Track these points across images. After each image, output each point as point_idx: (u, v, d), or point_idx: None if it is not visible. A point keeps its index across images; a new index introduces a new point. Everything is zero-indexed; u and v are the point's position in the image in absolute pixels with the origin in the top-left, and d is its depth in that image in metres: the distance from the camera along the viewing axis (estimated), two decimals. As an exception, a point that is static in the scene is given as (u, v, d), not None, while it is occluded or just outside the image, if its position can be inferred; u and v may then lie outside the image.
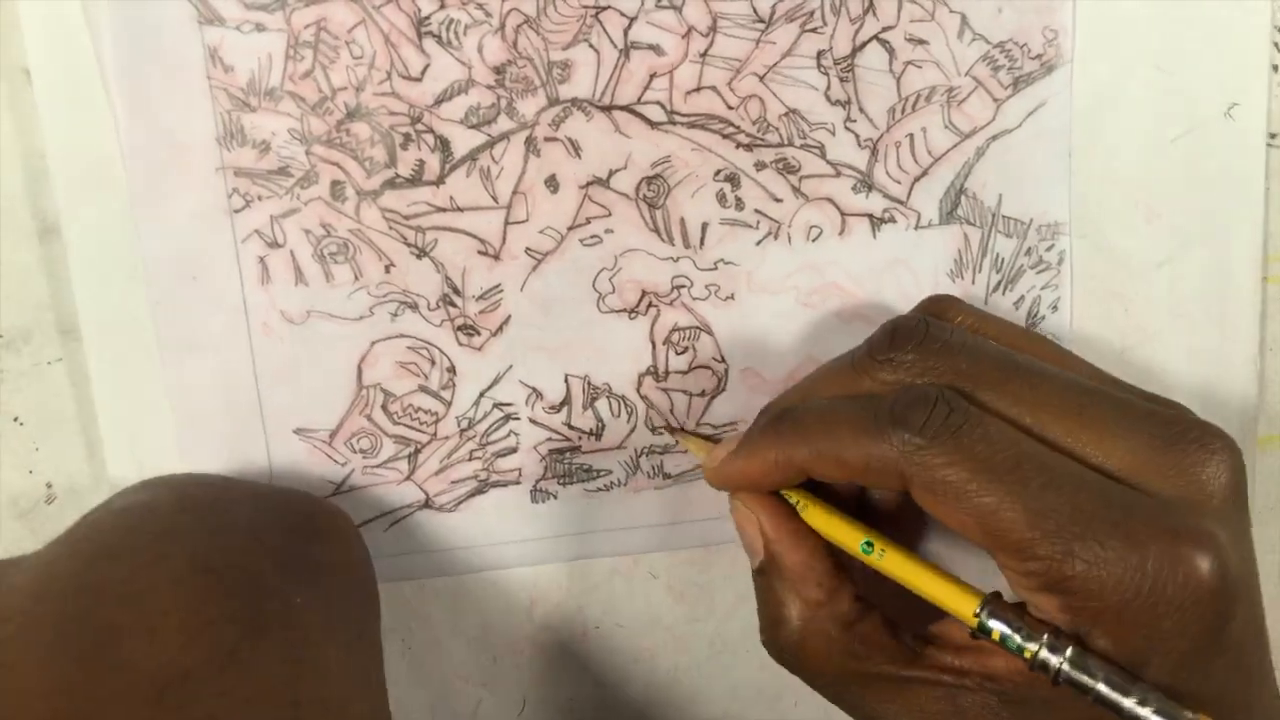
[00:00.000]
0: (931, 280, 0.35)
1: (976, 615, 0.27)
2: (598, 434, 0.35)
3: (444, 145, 0.32)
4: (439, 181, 0.32)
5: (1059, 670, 0.25)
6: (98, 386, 0.32)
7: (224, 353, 0.32)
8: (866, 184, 0.34)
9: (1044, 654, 0.25)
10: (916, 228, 0.34)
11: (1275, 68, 0.35)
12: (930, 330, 0.28)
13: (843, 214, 0.34)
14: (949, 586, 0.27)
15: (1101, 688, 0.25)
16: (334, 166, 0.32)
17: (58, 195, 0.31)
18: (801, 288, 0.34)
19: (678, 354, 0.34)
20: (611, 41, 0.32)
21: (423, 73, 0.32)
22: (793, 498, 0.30)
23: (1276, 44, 0.35)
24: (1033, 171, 0.34)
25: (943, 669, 0.28)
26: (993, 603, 0.27)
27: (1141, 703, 0.24)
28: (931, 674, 0.28)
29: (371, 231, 0.32)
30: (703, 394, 0.35)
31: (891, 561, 0.28)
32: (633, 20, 0.32)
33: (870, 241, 0.34)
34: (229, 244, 0.32)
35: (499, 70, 0.32)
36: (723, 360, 0.35)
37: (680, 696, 0.37)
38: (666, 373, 0.34)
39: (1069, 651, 0.25)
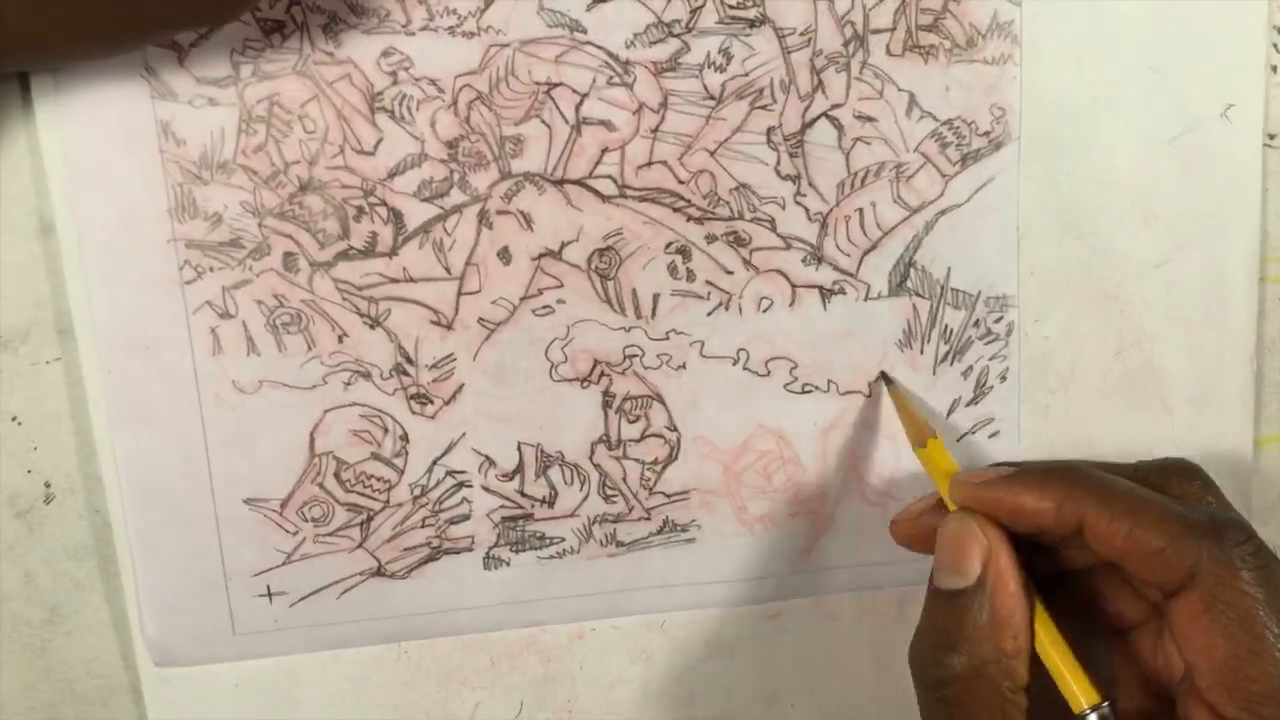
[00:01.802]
0: (881, 351, 0.35)
1: (1088, 710, 0.28)
2: (550, 502, 0.35)
3: (397, 217, 0.32)
4: (392, 253, 0.33)
5: None
6: (91, 387, 0.32)
7: (175, 423, 0.33)
8: (816, 256, 0.34)
9: None
10: (866, 299, 0.35)
11: (1273, 69, 0.35)
12: (1214, 485, 0.30)
13: (793, 285, 0.34)
14: (1080, 672, 0.28)
15: None
16: (287, 238, 0.32)
17: (54, 196, 0.31)
18: (752, 357, 0.35)
19: (630, 423, 0.35)
20: (563, 117, 0.32)
21: (375, 147, 0.32)
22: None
23: (1274, 45, 0.35)
24: (981, 245, 0.35)
25: None
26: (1106, 709, 0.28)
27: None
28: None
29: (324, 302, 0.33)
30: (655, 462, 0.35)
31: (1045, 628, 0.29)
32: (584, 97, 0.32)
33: (820, 313, 0.35)
34: (180, 315, 0.32)
35: (452, 145, 0.32)
36: (675, 429, 0.35)
37: (677, 698, 0.37)
38: (619, 441, 0.35)
39: None
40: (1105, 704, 0.28)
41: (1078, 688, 0.28)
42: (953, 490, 0.31)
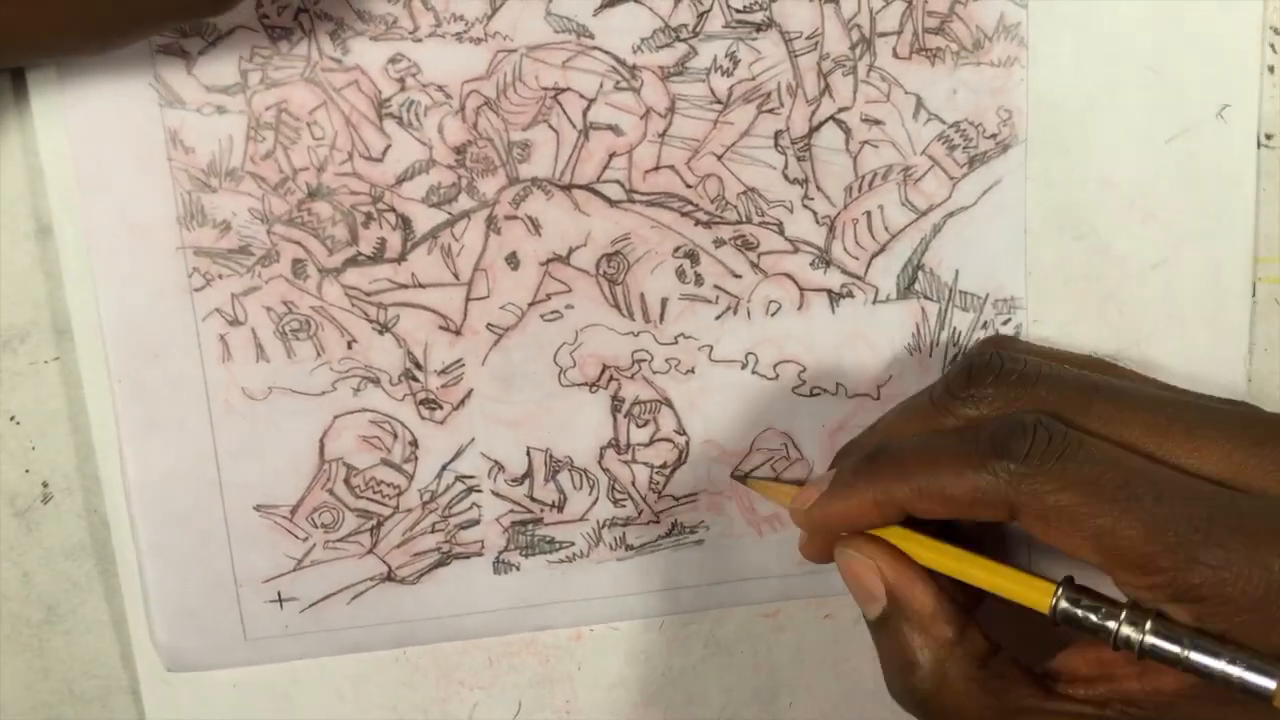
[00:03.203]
0: (889, 354, 0.35)
1: (1053, 601, 0.27)
2: (560, 506, 0.35)
3: (405, 223, 0.32)
4: (400, 259, 0.33)
5: (1142, 643, 0.25)
6: (89, 387, 0.32)
7: (185, 430, 0.33)
8: (824, 260, 0.34)
9: (1125, 630, 0.26)
10: (874, 302, 0.35)
11: (1269, 69, 0.35)
12: (1005, 363, 0.29)
13: (801, 289, 0.34)
14: (1024, 578, 0.28)
15: (1192, 654, 0.25)
16: (295, 245, 0.32)
17: (51, 197, 0.31)
18: (761, 361, 0.35)
19: (639, 427, 0.35)
20: (571, 122, 0.32)
21: (384, 153, 0.32)
22: (891, 538, 0.30)
23: (1270, 45, 0.35)
24: (989, 247, 0.35)
25: (1083, 700, 0.28)
26: (1068, 586, 0.27)
27: (1232, 662, 0.25)
28: (1074, 706, 0.28)
29: (333, 308, 0.33)
30: (664, 466, 0.35)
31: (969, 565, 0.28)
32: (592, 102, 0.32)
33: (828, 316, 0.35)
34: (189, 322, 0.32)
35: (459, 150, 0.32)
36: (683, 433, 0.35)
37: (676, 697, 0.37)
38: (628, 445, 0.35)
39: (1149, 624, 0.25)
40: (1059, 587, 0.27)
41: (1026, 594, 0.27)
42: (796, 522, 0.31)
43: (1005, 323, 0.35)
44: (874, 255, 0.34)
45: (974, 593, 0.29)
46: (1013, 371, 0.29)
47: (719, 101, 0.33)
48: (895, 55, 0.33)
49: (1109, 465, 0.26)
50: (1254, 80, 0.35)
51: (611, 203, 0.33)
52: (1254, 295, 0.37)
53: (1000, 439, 0.27)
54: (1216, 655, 0.25)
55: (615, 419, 0.34)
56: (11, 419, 0.33)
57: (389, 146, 0.32)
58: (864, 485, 0.29)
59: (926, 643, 0.29)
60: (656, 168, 0.33)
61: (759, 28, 0.32)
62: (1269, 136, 0.36)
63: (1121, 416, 0.28)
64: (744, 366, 0.35)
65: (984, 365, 0.29)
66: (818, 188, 0.34)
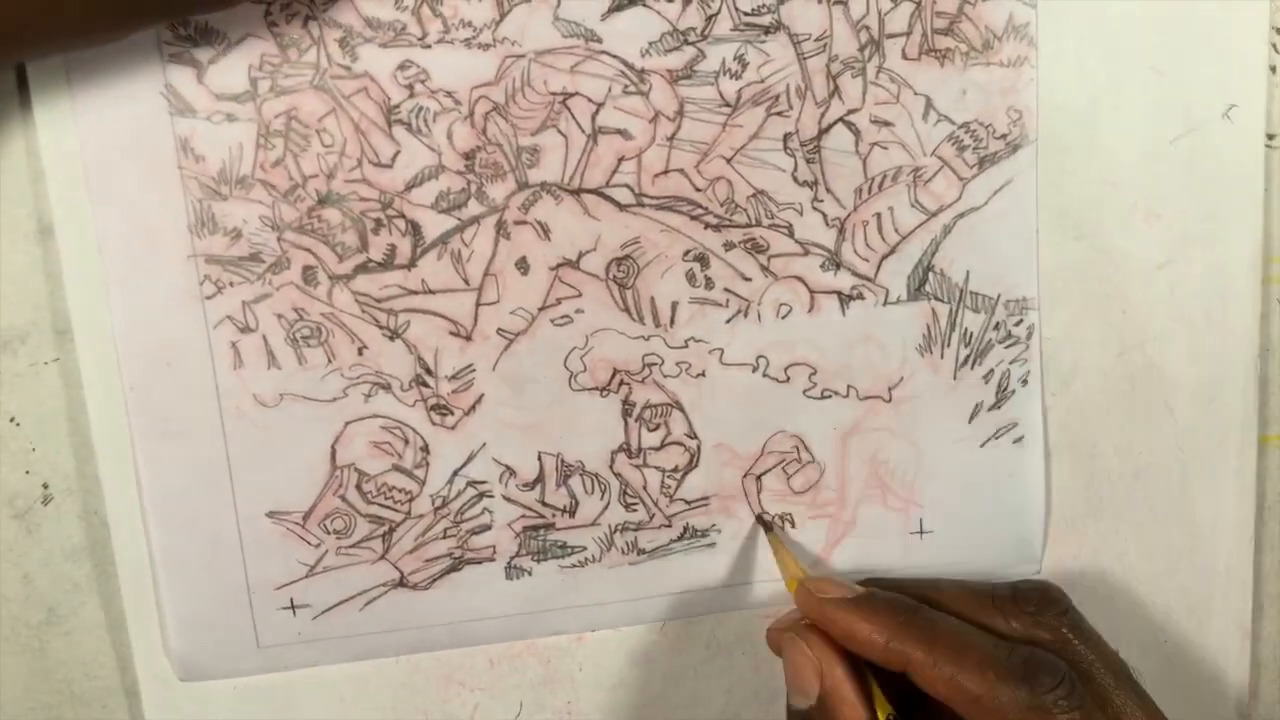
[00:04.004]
0: (900, 355, 0.35)
1: None
2: (571, 511, 0.35)
3: (415, 229, 0.32)
4: (410, 265, 0.33)
5: None
6: (90, 389, 0.32)
7: (197, 437, 0.33)
8: (835, 262, 0.34)
9: None
10: (885, 304, 0.35)
11: (1273, 69, 0.35)
12: (1072, 609, 0.32)
13: (811, 291, 0.34)
14: None
15: None
16: (306, 252, 0.32)
17: (52, 198, 0.31)
18: (771, 364, 0.35)
19: (650, 431, 0.35)
20: (580, 127, 0.32)
21: (393, 159, 0.32)
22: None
23: (1274, 45, 0.35)
24: (1000, 248, 0.35)
25: None
26: None
27: None
28: None
29: (344, 315, 0.33)
30: (675, 470, 0.35)
31: None
32: (600, 106, 0.32)
33: (839, 318, 0.35)
34: (201, 330, 0.32)
35: (468, 156, 0.32)
36: (695, 436, 0.35)
37: (677, 699, 0.37)
38: (639, 449, 0.35)
39: None
40: None
41: None
42: (797, 597, 0.33)
43: (1017, 323, 0.35)
44: (884, 257, 0.34)
45: None
46: (1078, 623, 0.31)
47: (728, 104, 0.33)
48: (904, 56, 0.33)
49: None
50: (1260, 80, 0.35)
51: (621, 207, 0.33)
52: (1264, 295, 0.36)
53: (1033, 666, 0.29)
54: None
55: (626, 423, 0.34)
56: (11, 420, 0.33)
57: (398, 153, 0.32)
58: (889, 624, 0.30)
59: None
60: (666, 171, 0.33)
61: (767, 30, 0.32)
62: (1272, 137, 0.35)
63: (1135, 717, 0.30)
64: (755, 369, 0.35)
65: (1057, 598, 0.32)
66: (827, 190, 0.34)
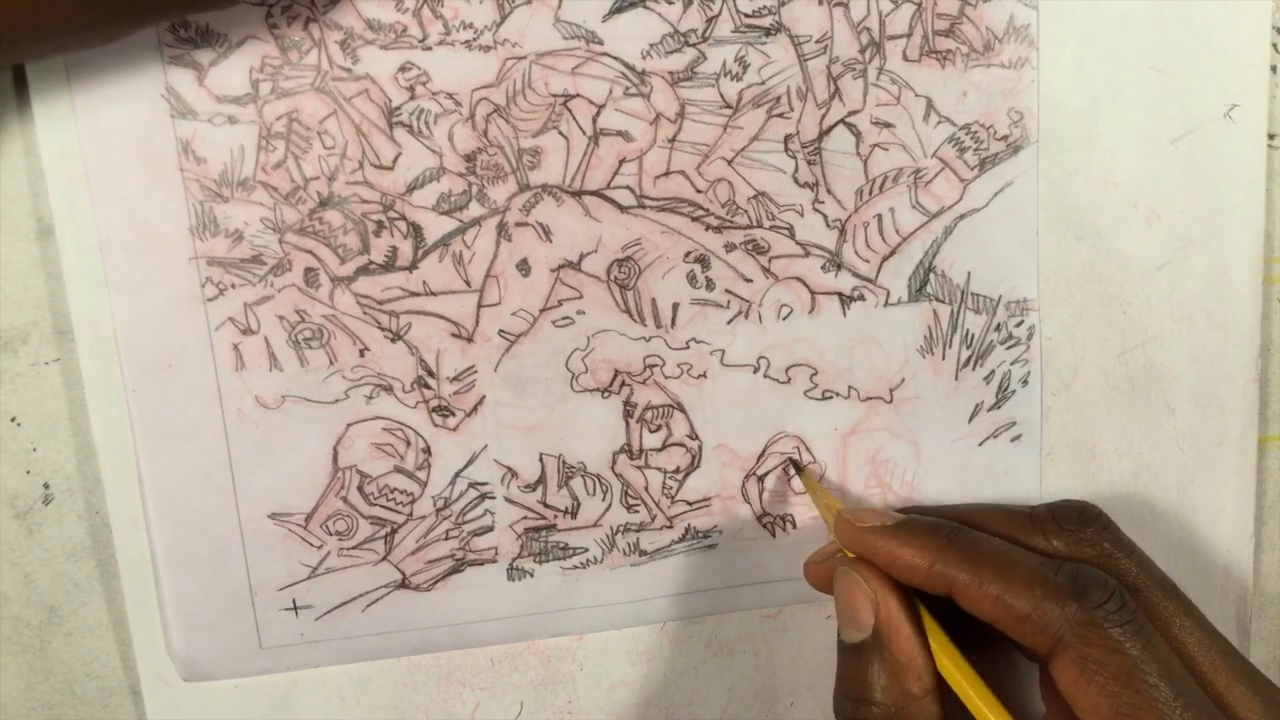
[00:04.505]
0: (901, 357, 0.35)
1: None
2: (573, 512, 0.35)
3: (416, 231, 0.32)
4: (412, 267, 0.33)
5: None
6: (90, 388, 0.32)
7: (199, 439, 0.33)
8: (835, 263, 0.34)
9: None
10: (886, 305, 0.35)
11: (1274, 69, 0.35)
12: (1112, 525, 0.31)
13: (812, 293, 0.34)
14: (993, 702, 0.29)
15: None
16: (307, 254, 0.32)
17: (52, 198, 0.31)
18: (773, 365, 0.35)
19: (651, 432, 0.35)
20: (581, 128, 0.32)
21: (394, 161, 0.32)
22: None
23: (1275, 45, 0.35)
24: (1001, 249, 0.35)
25: None
26: None
27: None
28: None
29: (345, 317, 0.33)
30: (677, 471, 0.35)
31: (955, 664, 0.29)
32: (601, 108, 0.32)
33: (840, 319, 0.35)
34: (203, 332, 0.32)
35: (470, 158, 0.32)
36: (696, 437, 0.35)
37: (677, 698, 0.37)
38: (640, 450, 0.35)
39: None
40: None
41: (992, 717, 0.28)
42: (836, 529, 0.32)
43: (1018, 324, 0.35)
44: (885, 258, 0.34)
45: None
46: (1117, 536, 0.31)
47: (729, 106, 0.33)
48: (905, 58, 0.33)
49: (1157, 656, 0.27)
50: (1262, 80, 0.35)
51: (622, 208, 0.33)
52: (1265, 295, 0.36)
53: (1082, 581, 0.28)
54: None
55: (628, 424, 0.34)
56: (12, 420, 0.33)
57: (399, 155, 0.32)
58: (931, 548, 0.30)
59: (890, 687, 0.30)
60: (667, 173, 0.33)
61: (768, 32, 0.32)
62: (1273, 137, 0.35)
63: (1183, 629, 0.29)
64: (756, 370, 0.35)
65: (1096, 514, 0.31)
66: (828, 191, 0.34)
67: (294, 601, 0.34)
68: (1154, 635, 0.28)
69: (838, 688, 0.31)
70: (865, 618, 0.30)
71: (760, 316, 0.34)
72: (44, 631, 0.34)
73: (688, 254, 0.34)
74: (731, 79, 0.33)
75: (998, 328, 0.35)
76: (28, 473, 0.33)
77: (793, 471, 0.35)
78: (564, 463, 0.34)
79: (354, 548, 0.34)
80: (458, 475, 0.34)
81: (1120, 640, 0.27)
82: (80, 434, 0.33)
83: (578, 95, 0.32)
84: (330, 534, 0.34)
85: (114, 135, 0.31)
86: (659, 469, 0.35)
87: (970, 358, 0.35)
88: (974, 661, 0.30)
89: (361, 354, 0.33)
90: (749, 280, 0.34)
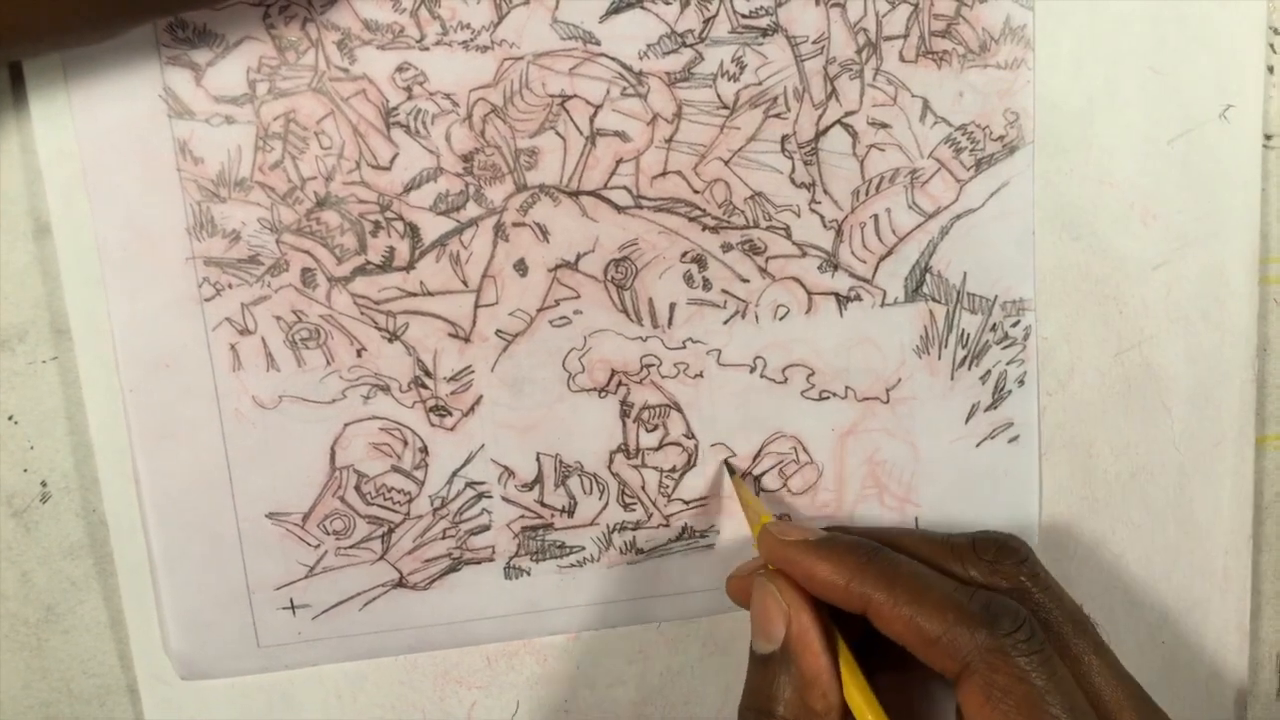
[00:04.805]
0: (898, 357, 0.35)
1: None
2: (570, 511, 0.35)
3: (413, 232, 0.33)
4: (409, 267, 0.33)
5: None
6: (88, 387, 0.32)
7: (197, 439, 0.33)
8: (832, 263, 0.34)
9: None
10: (882, 305, 0.35)
11: (1270, 69, 0.35)
12: (1030, 559, 0.32)
13: (809, 293, 0.34)
14: None
15: None
16: (304, 254, 0.32)
17: (49, 195, 0.31)
18: (769, 365, 0.35)
19: (648, 431, 0.35)
20: (578, 129, 0.32)
21: (391, 162, 0.32)
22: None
23: (1272, 45, 0.35)
24: (997, 249, 0.35)
25: None
26: None
27: None
28: None
29: (343, 317, 0.33)
30: (674, 470, 0.35)
31: (856, 686, 0.30)
32: (598, 108, 0.32)
33: (837, 320, 0.35)
34: (200, 332, 0.32)
35: (467, 158, 0.32)
36: (692, 437, 0.35)
37: (673, 697, 0.37)
38: (637, 450, 0.35)
39: None
40: None
41: None
42: (760, 540, 0.32)
43: (1014, 325, 0.35)
44: (882, 258, 0.34)
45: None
46: (1035, 570, 0.31)
47: (725, 106, 0.33)
48: (902, 59, 0.33)
49: (1061, 689, 0.28)
50: (1257, 81, 0.35)
51: (619, 209, 0.33)
52: (1261, 295, 0.36)
53: (994, 609, 0.29)
54: None
55: (624, 424, 0.35)
56: (10, 419, 0.33)
57: (397, 155, 0.32)
58: (850, 566, 0.30)
59: (794, 701, 0.30)
60: (664, 173, 0.33)
61: (765, 32, 0.33)
62: (1269, 137, 0.36)
63: (1090, 666, 0.30)
64: (752, 370, 0.35)
65: (1016, 548, 0.32)
66: (825, 191, 0.34)
67: (291, 600, 0.34)
68: (1060, 668, 0.28)
69: (743, 699, 0.31)
70: (777, 630, 0.31)
71: (757, 316, 0.34)
72: (41, 630, 0.34)
73: (684, 254, 0.34)
74: (728, 79, 0.33)
75: (993, 328, 0.35)
76: (25, 471, 0.33)
77: (726, 474, 0.35)
78: (561, 462, 0.35)
79: (351, 547, 0.34)
80: (455, 474, 0.34)
81: (1026, 669, 0.28)
82: (77, 432, 0.33)
83: (575, 95, 0.32)
84: (327, 533, 0.34)
85: (111, 135, 0.31)
86: (656, 468, 0.35)
87: (966, 358, 0.35)
88: (890, 682, 0.31)
89: (359, 354, 0.33)
90: (746, 280, 0.34)
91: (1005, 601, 0.29)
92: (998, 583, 0.31)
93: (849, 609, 0.30)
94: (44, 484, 0.33)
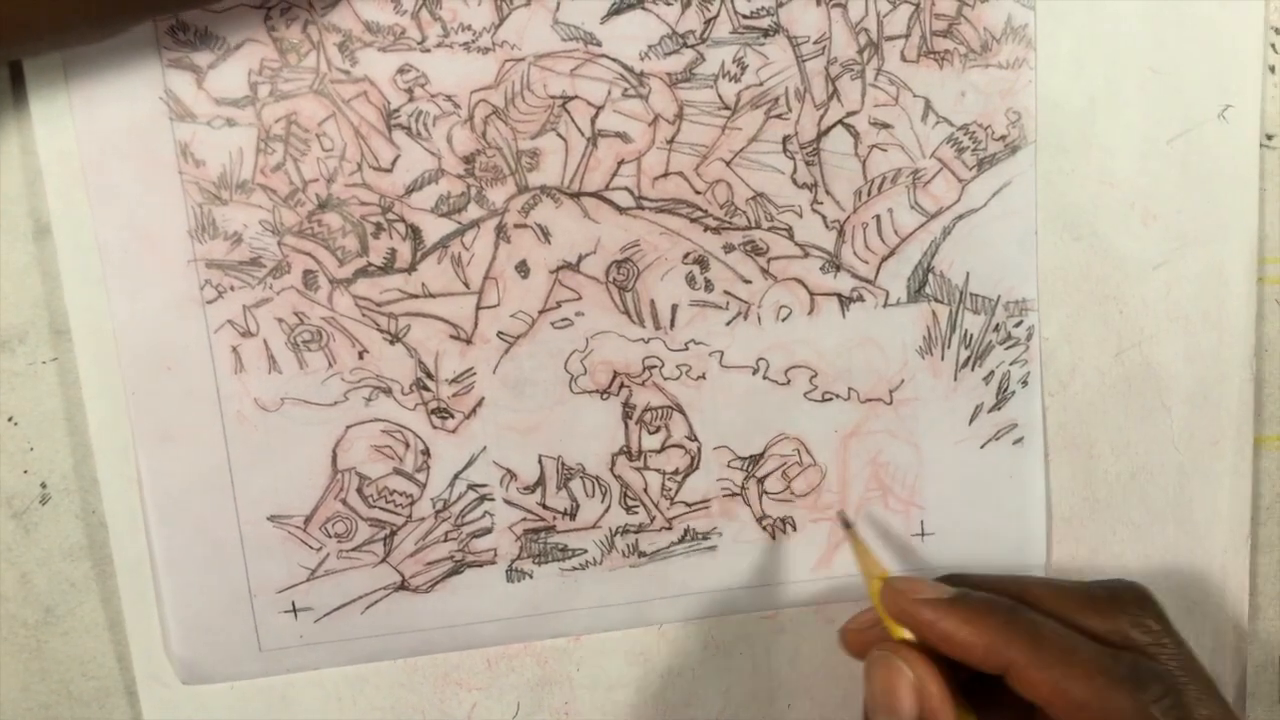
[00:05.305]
0: (901, 358, 0.35)
1: None
2: (572, 514, 0.35)
3: (415, 233, 0.32)
4: (411, 269, 0.33)
5: None
6: (87, 388, 0.32)
7: (199, 442, 0.33)
8: (834, 264, 0.34)
9: None
10: (885, 306, 0.35)
11: (1270, 69, 0.35)
12: (1164, 614, 0.31)
13: (811, 294, 0.34)
14: None
15: None
16: (306, 256, 0.32)
17: (49, 196, 0.31)
18: (772, 366, 0.35)
19: (650, 433, 0.35)
20: (579, 130, 0.32)
21: (393, 163, 0.32)
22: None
23: (1272, 45, 0.35)
24: (999, 249, 0.35)
25: None
26: None
27: None
28: None
29: (344, 319, 0.33)
30: (676, 472, 0.35)
31: None
32: (600, 109, 0.32)
33: (839, 320, 0.35)
34: (202, 334, 0.32)
35: (468, 160, 0.32)
36: (695, 439, 0.35)
37: (674, 699, 0.37)
38: (639, 452, 0.35)
39: None
40: None
41: None
42: (883, 597, 0.31)
43: (1017, 325, 0.35)
44: (884, 259, 0.34)
45: None
46: (1169, 628, 0.31)
47: (727, 107, 0.33)
48: (903, 58, 0.33)
49: None
50: (1256, 81, 0.35)
51: (621, 210, 0.33)
52: (1259, 295, 0.37)
53: (1142, 674, 0.28)
54: None
55: (627, 426, 0.34)
56: (10, 420, 0.33)
57: (398, 157, 0.32)
58: (991, 627, 0.29)
59: None
60: (665, 174, 0.33)
61: (766, 33, 0.32)
62: (1269, 137, 0.36)
63: None
64: (755, 372, 0.35)
65: (1152, 602, 0.31)
66: (827, 192, 0.34)
67: (293, 603, 0.34)
68: None
69: None
70: (905, 705, 0.30)
71: (759, 318, 0.34)
72: (40, 631, 0.34)
73: (686, 255, 0.34)
74: (730, 80, 0.33)
75: (996, 328, 0.35)
76: (25, 472, 0.33)
77: (841, 527, 0.35)
78: (563, 464, 0.34)
79: (353, 550, 0.34)
80: (457, 477, 0.34)
81: None
82: (77, 434, 0.33)
83: (576, 97, 0.32)
84: (329, 536, 0.34)
85: (112, 137, 0.31)
86: (658, 470, 0.35)
87: (969, 358, 0.35)
88: None
89: (360, 356, 0.33)
90: (748, 281, 0.34)
91: (1152, 665, 0.29)
92: (1138, 637, 0.30)
93: (988, 670, 0.29)
94: (44, 485, 0.33)
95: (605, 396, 0.34)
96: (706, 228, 0.34)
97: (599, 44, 0.32)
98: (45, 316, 0.32)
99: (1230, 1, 0.34)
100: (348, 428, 0.33)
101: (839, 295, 0.34)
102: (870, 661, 0.31)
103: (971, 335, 0.35)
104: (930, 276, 0.35)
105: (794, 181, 0.33)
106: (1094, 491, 0.37)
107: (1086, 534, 0.37)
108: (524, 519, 0.35)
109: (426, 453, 0.34)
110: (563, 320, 0.34)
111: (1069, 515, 0.37)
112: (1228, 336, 0.36)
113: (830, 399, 0.35)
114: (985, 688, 0.30)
